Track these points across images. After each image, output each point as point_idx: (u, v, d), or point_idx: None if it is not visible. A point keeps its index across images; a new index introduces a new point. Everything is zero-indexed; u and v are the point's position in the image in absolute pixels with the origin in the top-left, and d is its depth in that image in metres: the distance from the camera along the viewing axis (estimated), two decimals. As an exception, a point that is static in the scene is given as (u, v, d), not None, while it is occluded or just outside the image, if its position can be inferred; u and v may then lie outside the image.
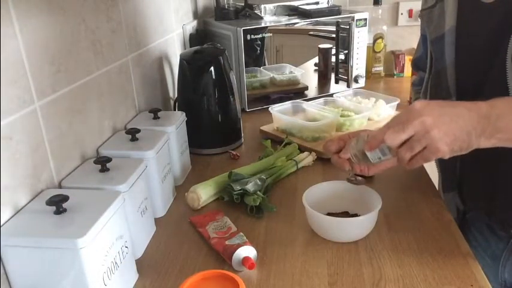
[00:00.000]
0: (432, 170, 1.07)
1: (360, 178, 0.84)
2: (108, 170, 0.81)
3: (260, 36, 1.46)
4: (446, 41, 0.85)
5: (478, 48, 0.81)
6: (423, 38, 0.97)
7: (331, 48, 1.58)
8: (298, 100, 1.39)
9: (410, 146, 0.64)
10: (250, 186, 0.95)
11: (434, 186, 1.01)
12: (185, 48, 1.57)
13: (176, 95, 1.34)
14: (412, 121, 0.63)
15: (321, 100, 1.40)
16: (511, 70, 0.72)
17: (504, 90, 0.73)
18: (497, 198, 0.85)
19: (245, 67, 1.44)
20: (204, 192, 0.97)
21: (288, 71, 1.56)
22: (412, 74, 1.15)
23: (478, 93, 0.80)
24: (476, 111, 0.63)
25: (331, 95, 1.46)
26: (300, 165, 1.11)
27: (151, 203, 0.90)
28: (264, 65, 1.53)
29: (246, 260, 0.76)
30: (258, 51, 1.50)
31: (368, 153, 0.72)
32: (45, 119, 0.75)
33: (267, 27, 1.47)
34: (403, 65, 1.89)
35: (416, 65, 1.09)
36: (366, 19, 1.58)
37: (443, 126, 0.62)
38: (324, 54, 1.60)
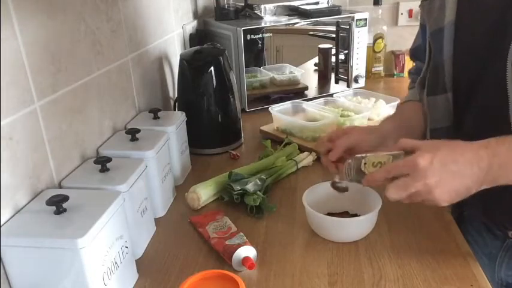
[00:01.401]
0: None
1: (344, 185, 0.84)
2: (108, 170, 0.81)
3: (260, 36, 1.46)
4: (445, 35, 0.84)
5: (476, 45, 0.81)
6: (422, 29, 0.97)
7: (331, 48, 1.58)
8: (298, 100, 1.39)
9: (411, 198, 0.67)
10: (250, 186, 0.95)
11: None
12: (185, 48, 1.57)
13: (176, 95, 1.34)
14: (415, 181, 0.64)
15: (321, 100, 1.40)
16: (511, 70, 0.72)
17: (502, 89, 0.73)
18: (494, 198, 0.85)
19: (245, 67, 1.44)
20: (204, 192, 0.97)
21: (288, 71, 1.56)
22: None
23: (474, 91, 0.80)
24: (477, 164, 0.63)
25: (331, 95, 1.46)
26: (300, 165, 1.11)
27: (151, 203, 0.90)
28: (264, 65, 1.53)
29: (246, 260, 0.76)
30: (258, 51, 1.50)
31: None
32: (45, 119, 0.75)
33: (267, 27, 1.47)
34: (403, 65, 1.89)
35: (414, 55, 1.09)
36: (366, 19, 1.58)
37: (445, 187, 0.64)
38: (324, 54, 1.60)
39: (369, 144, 0.84)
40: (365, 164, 0.73)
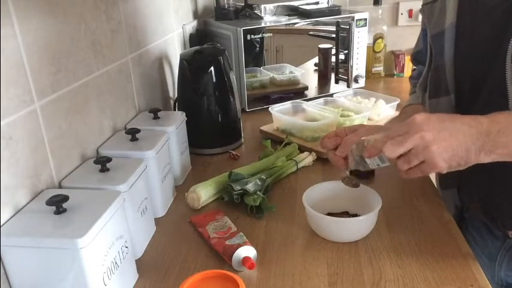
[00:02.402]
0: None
1: (355, 181, 0.84)
2: (108, 170, 0.81)
3: (260, 36, 1.46)
4: (446, 38, 0.85)
5: (477, 47, 0.81)
6: (424, 33, 0.97)
7: (331, 48, 1.58)
8: (298, 100, 1.39)
9: (408, 159, 0.64)
10: (250, 186, 0.95)
11: (435, 186, 1.01)
12: (185, 48, 1.57)
13: (176, 95, 1.34)
14: (411, 135, 0.63)
15: (321, 100, 1.40)
16: (511, 70, 0.72)
17: (502, 90, 0.73)
18: (494, 198, 0.85)
19: (245, 67, 1.44)
20: (204, 192, 0.97)
21: (288, 71, 1.56)
22: (412, 70, 1.15)
23: (476, 92, 0.80)
24: (476, 127, 0.62)
25: (331, 95, 1.46)
26: (300, 165, 1.11)
27: (151, 203, 0.90)
28: (264, 65, 1.53)
29: (246, 260, 0.76)
30: (258, 51, 1.49)
31: (367, 160, 0.72)
32: (45, 119, 0.75)
33: (267, 27, 1.47)
34: (403, 65, 1.89)
35: (416, 59, 1.09)
36: (366, 19, 1.58)
37: (442, 142, 0.62)
38: (324, 54, 1.60)
39: None
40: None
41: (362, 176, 1.02)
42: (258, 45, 1.48)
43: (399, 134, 0.64)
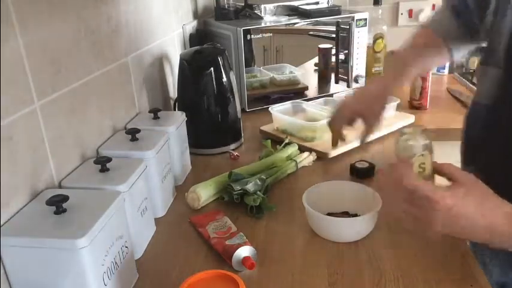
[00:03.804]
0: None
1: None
2: (108, 170, 0.81)
3: (260, 36, 1.46)
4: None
5: None
6: None
7: (331, 48, 1.58)
8: (298, 100, 1.39)
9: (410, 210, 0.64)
10: (250, 186, 0.95)
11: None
12: (185, 48, 1.57)
13: (176, 95, 1.34)
14: (430, 214, 0.61)
15: (321, 100, 1.40)
16: None
17: None
18: None
19: (245, 67, 1.44)
20: (204, 192, 0.97)
21: (288, 71, 1.56)
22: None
23: None
24: (491, 233, 0.62)
25: (331, 95, 1.46)
26: (300, 165, 1.11)
27: (151, 203, 0.90)
28: (264, 65, 1.53)
29: (246, 260, 0.76)
30: (258, 51, 1.49)
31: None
32: (45, 119, 0.75)
33: (267, 27, 1.47)
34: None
35: (456, 10, 0.96)
36: (366, 19, 1.58)
37: (445, 230, 0.62)
38: (324, 54, 1.60)
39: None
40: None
41: (361, 176, 1.03)
42: (258, 45, 1.47)
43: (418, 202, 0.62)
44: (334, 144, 1.06)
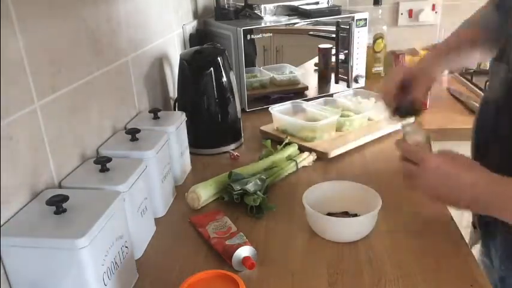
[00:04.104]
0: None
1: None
2: (108, 170, 0.81)
3: (260, 36, 1.46)
4: None
5: None
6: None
7: (331, 48, 1.58)
8: (298, 100, 1.39)
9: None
10: (250, 186, 0.95)
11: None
12: (185, 48, 1.57)
13: (176, 95, 1.34)
14: (418, 176, 0.74)
15: (321, 100, 1.40)
16: None
17: None
18: None
19: (245, 67, 1.44)
20: (204, 192, 0.97)
21: (288, 71, 1.56)
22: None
23: None
24: (471, 191, 0.68)
25: (331, 95, 1.46)
26: (300, 165, 1.11)
27: (151, 203, 0.90)
28: (264, 65, 1.53)
29: (246, 260, 0.76)
30: (258, 51, 1.49)
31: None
32: (45, 119, 0.75)
33: (267, 27, 1.47)
34: (403, 65, 1.88)
35: (484, 23, 0.98)
36: (366, 19, 1.58)
37: (434, 192, 0.73)
38: (324, 54, 1.60)
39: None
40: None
41: (404, 113, 0.99)
42: (258, 45, 1.47)
43: (413, 163, 0.75)
44: (391, 112, 0.99)
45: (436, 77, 1.02)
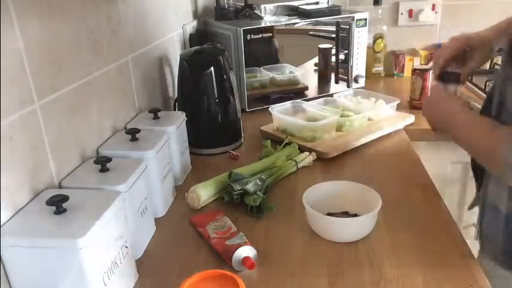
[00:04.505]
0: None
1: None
2: (108, 170, 0.81)
3: (260, 36, 1.45)
4: None
5: None
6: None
7: (331, 48, 1.58)
8: (298, 100, 1.39)
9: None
10: (250, 186, 0.95)
11: (434, 186, 1.01)
12: (185, 48, 1.57)
13: (176, 95, 1.34)
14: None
15: (321, 100, 1.40)
16: None
17: None
18: None
19: (245, 67, 1.44)
20: (204, 192, 0.97)
21: (288, 71, 1.56)
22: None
23: None
24: (452, 117, 0.85)
25: (331, 95, 1.46)
26: (300, 165, 1.11)
27: (151, 203, 0.90)
28: (264, 65, 1.53)
29: (246, 260, 0.76)
30: (258, 51, 1.49)
31: None
32: (45, 119, 0.75)
33: (267, 27, 1.47)
34: (403, 65, 1.89)
35: None
36: (366, 19, 1.58)
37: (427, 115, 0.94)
38: (324, 54, 1.60)
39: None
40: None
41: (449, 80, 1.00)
42: (258, 45, 1.47)
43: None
44: (436, 76, 1.01)
45: (494, 51, 1.01)
